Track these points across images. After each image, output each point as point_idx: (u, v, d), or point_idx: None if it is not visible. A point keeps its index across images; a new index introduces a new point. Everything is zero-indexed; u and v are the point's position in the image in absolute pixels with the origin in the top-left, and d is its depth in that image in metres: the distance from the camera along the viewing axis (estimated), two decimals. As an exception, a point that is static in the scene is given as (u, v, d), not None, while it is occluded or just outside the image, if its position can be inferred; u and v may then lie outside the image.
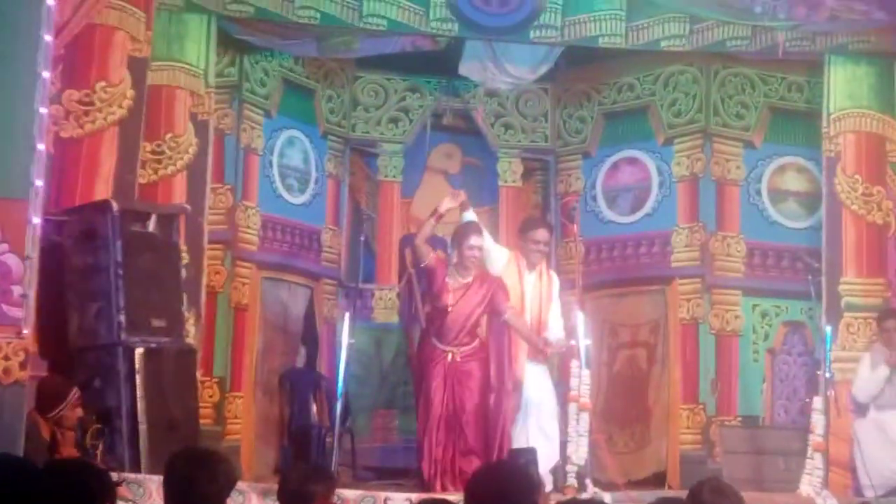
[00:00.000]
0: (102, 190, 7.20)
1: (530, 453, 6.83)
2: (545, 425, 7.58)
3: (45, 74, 6.01)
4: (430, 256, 7.47)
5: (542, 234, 7.85)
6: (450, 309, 7.37)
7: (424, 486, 7.29)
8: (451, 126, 10.03)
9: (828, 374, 7.55)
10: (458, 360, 7.37)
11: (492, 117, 9.93)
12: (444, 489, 7.16)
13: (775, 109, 9.27)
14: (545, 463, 7.31)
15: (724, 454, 8.56)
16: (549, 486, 7.43)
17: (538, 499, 4.43)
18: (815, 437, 7.47)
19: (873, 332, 8.41)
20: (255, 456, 8.39)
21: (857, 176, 8.62)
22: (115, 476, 4.33)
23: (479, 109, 9.85)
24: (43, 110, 5.99)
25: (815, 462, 7.44)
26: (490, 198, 10.00)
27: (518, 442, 7.39)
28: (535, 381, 7.67)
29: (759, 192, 9.23)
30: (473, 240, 7.44)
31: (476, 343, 7.46)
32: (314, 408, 8.67)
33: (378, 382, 9.32)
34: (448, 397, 7.33)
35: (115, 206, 6.86)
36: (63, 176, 7.12)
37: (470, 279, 7.45)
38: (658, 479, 8.59)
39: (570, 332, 7.60)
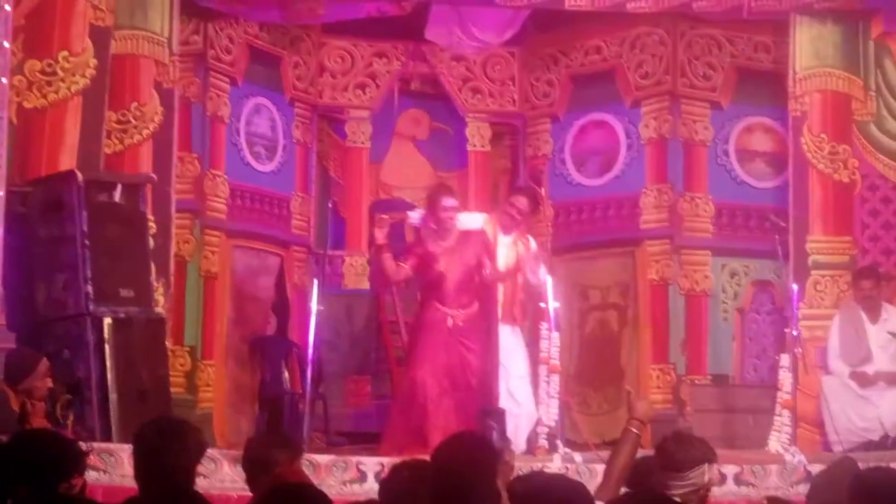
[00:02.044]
0: (67, 160, 7.17)
1: (498, 414, 6.87)
2: (514, 389, 7.62)
3: (6, 44, 5.98)
4: (406, 272, 7.49)
5: (520, 201, 7.85)
6: (442, 270, 7.40)
7: (394, 448, 7.27)
8: (419, 91, 10.02)
9: (795, 332, 7.61)
10: (460, 324, 7.40)
11: (459, 82, 9.91)
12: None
13: (742, 70, 9.28)
14: (514, 426, 7.36)
15: (694, 412, 8.64)
16: (519, 449, 7.49)
17: (501, 466, 4.48)
18: (783, 395, 7.54)
19: (840, 289, 8.48)
20: (228, 423, 8.41)
21: (823, 135, 8.65)
22: (83, 446, 4.34)
23: (446, 74, 9.83)
24: (4, 80, 5.98)
25: (783, 419, 7.51)
26: (459, 162, 10.01)
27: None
28: (507, 345, 7.70)
29: (726, 153, 9.27)
30: (446, 201, 7.47)
31: (475, 307, 7.48)
32: (286, 374, 8.70)
33: (349, 348, 9.35)
34: (452, 362, 7.36)
35: (80, 176, 6.84)
36: (27, 147, 7.08)
37: (453, 242, 7.46)
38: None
39: (541, 295, 7.63)
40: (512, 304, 7.75)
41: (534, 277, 7.67)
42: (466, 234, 7.52)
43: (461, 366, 7.36)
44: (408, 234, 8.68)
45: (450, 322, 7.38)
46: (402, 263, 7.44)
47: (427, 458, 4.36)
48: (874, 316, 8.24)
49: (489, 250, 7.51)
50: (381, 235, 7.47)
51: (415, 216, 7.85)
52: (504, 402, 7.48)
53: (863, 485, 4.00)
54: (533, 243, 7.89)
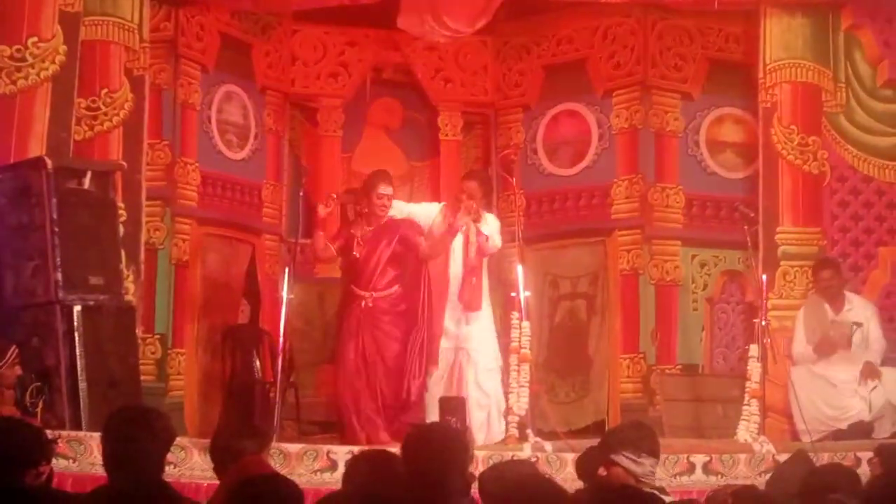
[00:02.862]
0: (36, 147, 7.13)
1: (458, 402, 6.90)
2: (483, 380, 7.64)
3: (-25, 30, 5.93)
4: (332, 252, 7.62)
5: (469, 185, 7.88)
6: (356, 254, 7.47)
7: (348, 438, 7.31)
8: (392, 80, 9.99)
9: (764, 322, 7.67)
10: (371, 304, 7.44)
11: (431, 71, 9.90)
12: (369, 441, 7.19)
13: (713, 61, 9.31)
14: (485, 416, 7.39)
15: (664, 402, 8.69)
16: (490, 439, 7.52)
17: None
18: (752, 384, 7.59)
19: (809, 280, 8.54)
20: (199, 412, 8.39)
21: (793, 126, 8.70)
22: (50, 433, 4.33)
23: (418, 64, 9.82)
24: (-27, 66, 5.92)
25: (751, 409, 7.56)
26: (430, 152, 10.01)
27: (439, 393, 7.45)
28: (474, 335, 7.72)
29: (697, 144, 9.30)
30: (382, 188, 7.57)
31: (394, 289, 7.51)
32: (257, 363, 8.68)
33: (321, 337, 9.33)
34: (364, 343, 7.38)
35: (49, 163, 6.80)
36: (-5, 133, 7.03)
37: (377, 227, 7.54)
38: (599, 428, 8.69)
39: (511, 285, 7.64)
40: (473, 290, 7.73)
41: (481, 246, 7.67)
42: (391, 221, 7.57)
43: (374, 347, 7.38)
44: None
45: (363, 304, 7.42)
46: (329, 244, 7.55)
47: (386, 448, 4.39)
48: (837, 305, 8.31)
49: (419, 230, 7.56)
50: (323, 211, 7.64)
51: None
52: (472, 392, 7.51)
53: (814, 479, 4.08)
54: (491, 221, 7.86)
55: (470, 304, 7.69)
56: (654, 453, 4.30)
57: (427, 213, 7.85)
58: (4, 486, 3.58)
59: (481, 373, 7.66)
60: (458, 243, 7.75)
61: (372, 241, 7.52)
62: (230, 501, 3.23)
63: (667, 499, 4.20)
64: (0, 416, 5.47)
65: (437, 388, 7.61)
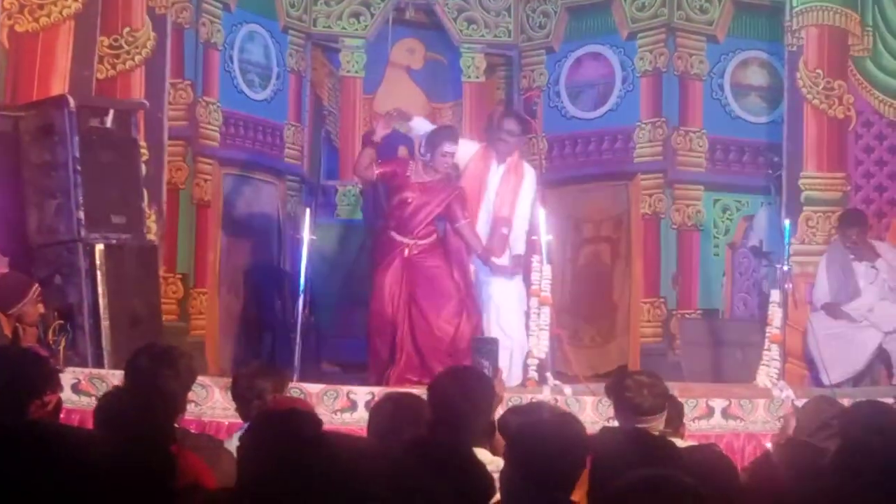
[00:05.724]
0: (59, 85, 7.13)
1: (491, 343, 6.89)
2: (505, 324, 7.63)
3: (-3, -33, 5.91)
4: (373, 173, 7.47)
5: (510, 123, 7.80)
6: (410, 201, 7.39)
7: (375, 381, 7.34)
8: (414, 21, 9.93)
9: (786, 268, 7.63)
10: (416, 252, 7.41)
11: (454, 12, 9.83)
12: (400, 383, 7.21)
13: (739, 3, 9.22)
14: (507, 358, 7.40)
15: (683, 346, 8.69)
16: (511, 381, 7.52)
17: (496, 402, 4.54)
18: (773, 330, 7.56)
19: (832, 225, 8.49)
20: (220, 351, 8.44)
21: (818, 70, 8.61)
22: (54, 363, 4.32)
23: (441, 3, 9.74)
24: (-5, 3, 5.91)
25: (771, 353, 7.54)
26: (454, 93, 9.96)
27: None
28: (499, 282, 7.70)
29: (721, 87, 9.23)
30: (447, 146, 7.44)
31: (433, 238, 7.50)
32: (278, 304, 8.71)
33: (342, 279, 9.35)
34: (404, 290, 7.37)
35: (71, 101, 6.79)
36: (18, 71, 7.04)
37: (434, 181, 7.46)
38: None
39: (533, 228, 7.61)
40: (501, 240, 7.68)
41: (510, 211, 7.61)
42: (448, 180, 7.51)
43: (418, 293, 7.37)
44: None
45: (406, 252, 7.41)
46: (374, 166, 7.44)
47: (412, 390, 4.40)
48: (866, 257, 8.18)
49: (465, 205, 7.48)
50: (381, 133, 7.51)
51: (419, 125, 7.82)
52: (494, 333, 7.50)
53: (853, 416, 4.06)
54: (529, 174, 7.80)
55: (495, 252, 7.66)
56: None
57: (465, 151, 7.77)
58: (7, 419, 3.48)
59: (503, 315, 7.65)
60: (493, 185, 7.67)
61: (429, 193, 7.44)
62: (253, 435, 3.26)
63: (679, 442, 4.20)
64: (2, 346, 5.49)
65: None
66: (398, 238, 7.42)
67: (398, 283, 7.36)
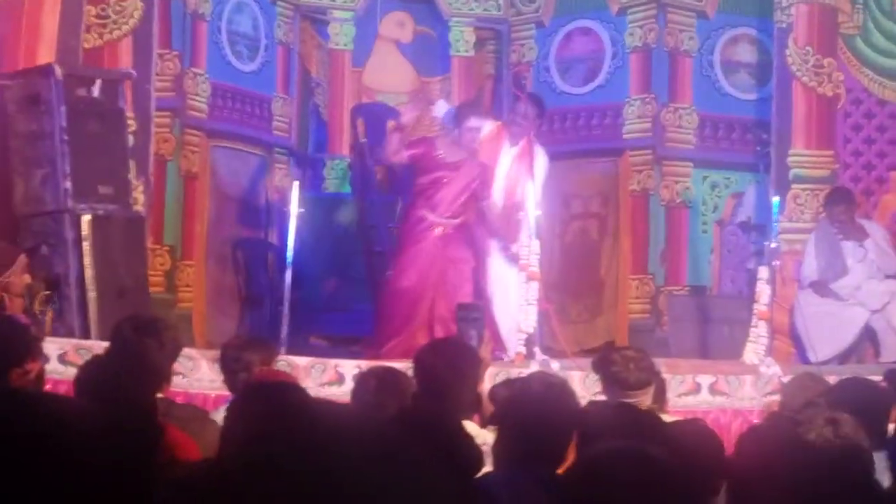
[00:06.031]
0: (45, 54, 7.07)
1: (477, 309, 6.89)
2: (512, 306, 7.61)
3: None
4: (403, 157, 7.46)
5: (527, 106, 7.77)
6: (445, 181, 7.42)
7: (378, 351, 7.32)
8: (403, -7, 9.88)
9: (774, 245, 7.64)
10: (450, 231, 7.44)
11: (444, -16, 9.78)
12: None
13: (729, -20, 9.20)
14: (503, 326, 7.41)
15: (671, 322, 8.70)
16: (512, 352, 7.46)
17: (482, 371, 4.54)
18: (760, 307, 7.57)
19: (820, 203, 8.49)
20: (207, 323, 8.42)
21: (808, 47, 8.60)
22: (35, 331, 4.29)
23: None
24: (-19, -29, 5.85)
25: (759, 330, 7.55)
26: (443, 68, 9.92)
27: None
28: (507, 263, 7.69)
29: (711, 64, 9.21)
30: (472, 121, 7.53)
31: (462, 219, 7.52)
32: (265, 277, 8.69)
33: (330, 252, 9.32)
34: (436, 269, 7.38)
35: (58, 70, 6.74)
36: (4, 40, 6.98)
37: (463, 159, 7.48)
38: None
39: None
40: (516, 225, 7.66)
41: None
42: (475, 157, 7.52)
43: (446, 274, 7.39)
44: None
45: (438, 231, 7.41)
46: (403, 149, 7.44)
47: (395, 365, 4.40)
48: (853, 236, 8.20)
49: (489, 185, 7.51)
50: (409, 117, 7.64)
51: (441, 107, 7.86)
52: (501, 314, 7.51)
53: (839, 394, 4.07)
54: (542, 159, 7.75)
55: (509, 237, 7.62)
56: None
57: (484, 126, 7.76)
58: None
59: (512, 297, 7.61)
60: (504, 165, 7.65)
61: (457, 170, 7.46)
62: (239, 405, 3.24)
63: (665, 417, 4.20)
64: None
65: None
66: (430, 217, 7.42)
67: (430, 263, 7.37)
